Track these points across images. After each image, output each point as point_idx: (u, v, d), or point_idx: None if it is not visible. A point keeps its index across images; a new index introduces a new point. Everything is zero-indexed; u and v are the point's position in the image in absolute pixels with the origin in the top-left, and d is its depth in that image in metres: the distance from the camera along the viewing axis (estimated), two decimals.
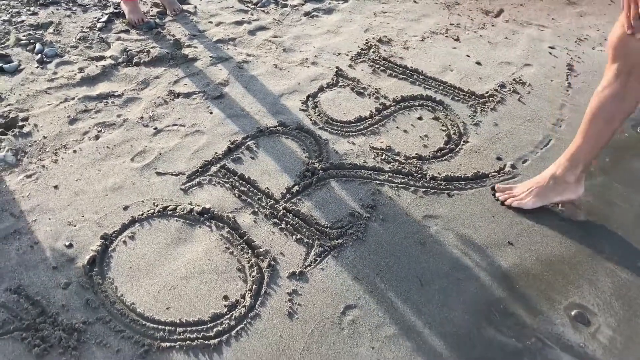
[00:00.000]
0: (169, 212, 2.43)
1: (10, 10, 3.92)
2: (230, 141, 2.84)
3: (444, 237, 2.38)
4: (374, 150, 2.84)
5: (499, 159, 2.82)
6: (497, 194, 2.63)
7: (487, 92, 3.33)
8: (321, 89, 3.32)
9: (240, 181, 2.61)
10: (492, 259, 2.30)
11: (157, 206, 2.46)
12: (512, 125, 3.07)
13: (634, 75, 2.15)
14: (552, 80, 3.51)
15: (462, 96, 3.30)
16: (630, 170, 2.76)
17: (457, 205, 2.55)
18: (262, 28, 3.98)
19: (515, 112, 3.18)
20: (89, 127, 2.92)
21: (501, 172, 2.74)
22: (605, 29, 4.06)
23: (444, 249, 2.33)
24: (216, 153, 2.76)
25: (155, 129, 2.93)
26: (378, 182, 2.65)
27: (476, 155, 2.84)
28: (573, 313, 2.10)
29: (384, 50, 3.73)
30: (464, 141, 2.94)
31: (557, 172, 2.48)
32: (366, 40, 3.85)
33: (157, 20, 3.93)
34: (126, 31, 3.79)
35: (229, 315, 2.03)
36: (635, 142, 2.95)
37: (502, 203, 2.58)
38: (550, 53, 3.82)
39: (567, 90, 3.41)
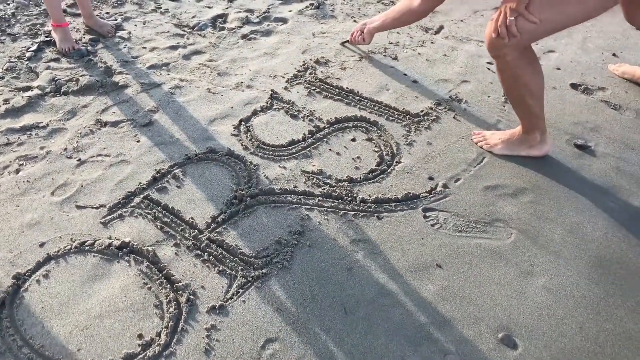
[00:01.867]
0: (87, 248, 2.34)
1: None
2: (156, 170, 2.75)
3: (372, 262, 2.33)
4: (305, 174, 2.78)
5: (430, 178, 2.78)
6: (473, 136, 3.08)
7: (422, 111, 3.31)
8: (255, 113, 3.25)
9: (164, 212, 2.52)
10: (420, 282, 2.25)
11: (74, 242, 2.36)
12: (446, 143, 3.05)
13: (508, 63, 2.58)
14: (488, 96, 3.51)
15: (396, 116, 3.26)
16: (561, 185, 2.75)
17: (386, 227, 2.49)
18: (198, 52, 3.91)
19: (450, 130, 3.16)
20: (10, 161, 2.81)
21: (432, 192, 2.70)
22: (543, 43, 4.10)
23: (370, 274, 2.27)
24: (140, 183, 2.67)
25: (79, 160, 2.83)
26: (307, 207, 2.59)
27: (408, 176, 2.80)
28: (500, 336, 2.05)
29: (321, 72, 3.69)
30: (396, 162, 2.89)
31: (523, 132, 2.90)
32: (303, 61, 3.81)
33: (89, 48, 3.84)
34: (56, 60, 3.69)
35: (143, 354, 1.94)
36: (567, 156, 2.95)
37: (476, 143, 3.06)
38: (489, 69, 3.83)
39: (504, 106, 3.40)
